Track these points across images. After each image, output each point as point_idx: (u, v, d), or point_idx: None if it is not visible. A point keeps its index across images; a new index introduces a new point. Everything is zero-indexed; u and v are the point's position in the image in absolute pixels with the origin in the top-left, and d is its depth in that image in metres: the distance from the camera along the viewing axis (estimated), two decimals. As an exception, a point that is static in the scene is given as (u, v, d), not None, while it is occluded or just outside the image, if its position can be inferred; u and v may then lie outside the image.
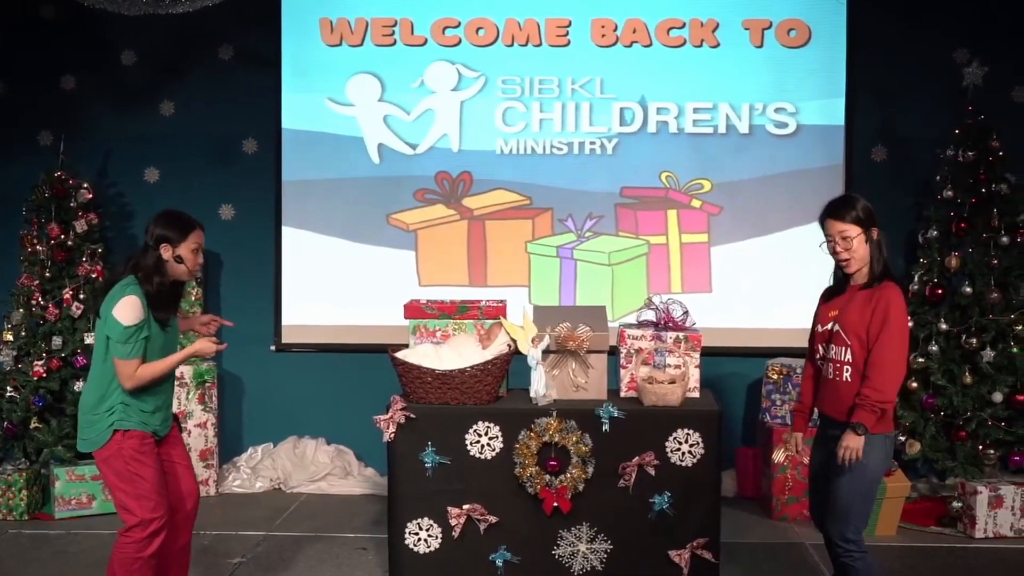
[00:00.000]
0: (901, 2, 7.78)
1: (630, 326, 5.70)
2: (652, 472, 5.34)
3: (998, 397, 7.02)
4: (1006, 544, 6.57)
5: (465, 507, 5.40)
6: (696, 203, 7.13)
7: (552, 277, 6.97)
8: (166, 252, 4.89)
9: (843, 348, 4.78)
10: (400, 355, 5.50)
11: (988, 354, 7.03)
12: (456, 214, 7.16)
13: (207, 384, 7.64)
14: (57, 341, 7.28)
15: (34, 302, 7.30)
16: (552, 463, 5.33)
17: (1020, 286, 7.13)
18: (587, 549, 5.42)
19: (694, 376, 5.61)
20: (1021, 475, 7.06)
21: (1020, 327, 7.05)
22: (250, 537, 6.69)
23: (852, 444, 4.62)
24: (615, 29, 7.56)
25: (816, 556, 6.33)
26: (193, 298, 7.68)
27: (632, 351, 5.64)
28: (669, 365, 5.61)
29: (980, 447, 7.07)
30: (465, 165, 7.24)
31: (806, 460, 6.89)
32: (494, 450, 5.39)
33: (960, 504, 6.74)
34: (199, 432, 7.62)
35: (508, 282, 7.07)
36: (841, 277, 4.94)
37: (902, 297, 4.79)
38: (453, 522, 5.40)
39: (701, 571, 5.37)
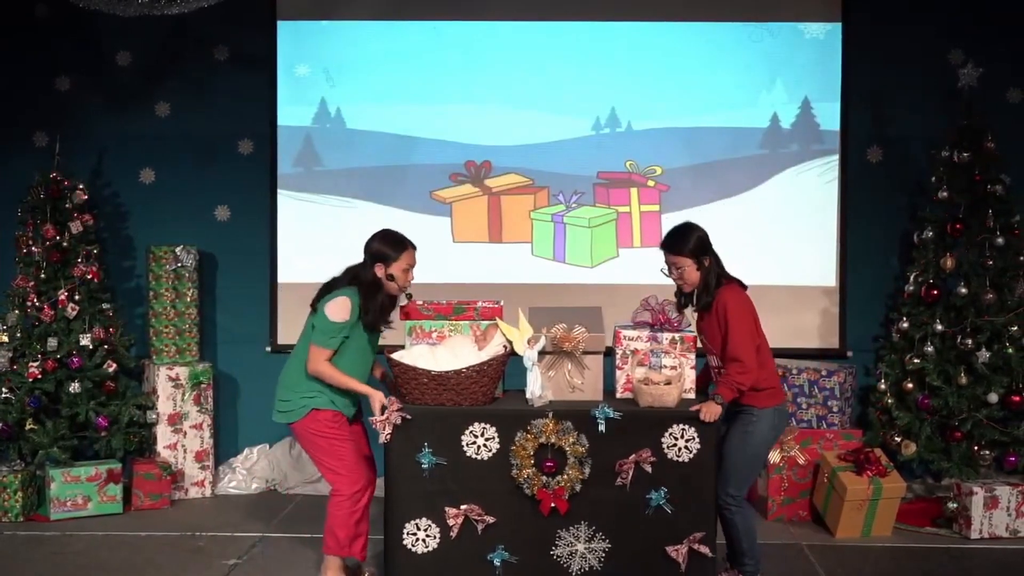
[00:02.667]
0: (896, 3, 7.80)
1: (626, 327, 5.68)
2: (649, 469, 5.31)
3: (993, 398, 7.02)
4: (1001, 545, 6.57)
5: (463, 507, 5.36)
6: (650, 183, 8.02)
7: (548, 236, 8.07)
8: (380, 270, 5.47)
9: (712, 356, 5.53)
10: (396, 356, 5.47)
11: (983, 355, 7.04)
12: (480, 191, 8.08)
13: (203, 385, 7.63)
14: (52, 342, 7.26)
15: (29, 303, 7.28)
16: (548, 464, 5.31)
17: (1015, 287, 7.15)
18: (585, 549, 5.39)
19: (690, 377, 5.58)
20: (1016, 476, 7.07)
21: (1015, 328, 7.06)
22: (246, 538, 6.68)
23: (710, 411, 5.25)
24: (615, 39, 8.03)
25: (812, 556, 6.34)
26: (188, 299, 7.67)
27: (628, 352, 5.61)
28: (665, 366, 5.57)
29: (975, 448, 7.08)
30: (486, 155, 8.07)
31: (801, 461, 6.98)
32: (491, 451, 5.36)
33: (955, 505, 6.74)
34: (195, 433, 7.61)
35: (517, 239, 8.07)
36: (681, 293, 5.60)
37: (736, 294, 5.42)
38: (451, 522, 5.37)
39: (698, 565, 5.35)
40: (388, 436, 5.33)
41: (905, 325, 7.31)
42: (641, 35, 7.94)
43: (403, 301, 5.69)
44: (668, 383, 5.42)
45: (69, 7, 6.41)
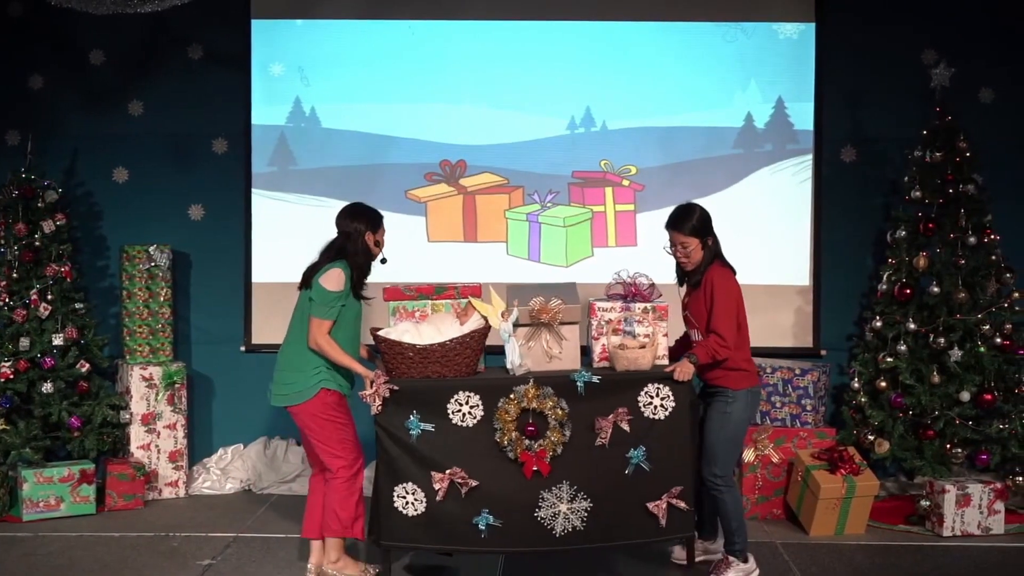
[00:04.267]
0: (869, 3, 7.83)
1: (599, 299, 5.94)
2: (627, 428, 5.55)
3: (965, 396, 7.06)
4: (974, 542, 6.60)
5: (448, 472, 5.54)
6: (625, 182, 8.03)
7: (523, 235, 8.06)
8: (369, 239, 5.76)
9: (694, 331, 5.83)
10: (382, 332, 5.71)
11: (956, 354, 7.08)
12: (455, 190, 8.06)
13: (176, 385, 7.60)
14: (25, 342, 7.22)
15: (1, 303, 7.24)
16: (530, 428, 5.52)
17: (987, 286, 7.19)
18: (568, 509, 5.58)
19: (662, 343, 5.81)
20: (988, 473, 7.12)
21: (987, 327, 7.10)
22: (220, 539, 6.66)
23: (683, 369, 5.56)
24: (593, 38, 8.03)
25: (786, 555, 6.36)
26: (162, 299, 7.64)
27: (603, 322, 5.85)
28: (638, 334, 5.84)
29: (948, 446, 7.11)
30: (461, 155, 8.05)
31: (775, 459, 7.01)
32: (475, 418, 5.57)
33: (928, 503, 6.77)
34: (168, 433, 7.58)
35: (492, 239, 8.06)
36: (681, 271, 5.92)
37: (724, 274, 5.75)
38: (437, 487, 5.54)
39: (677, 519, 5.61)
40: (379, 408, 5.53)
41: (878, 324, 7.35)
42: (616, 35, 7.95)
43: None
44: (642, 347, 5.70)
45: (42, 5, 6.39)
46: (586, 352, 5.86)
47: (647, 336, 5.80)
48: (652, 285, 5.92)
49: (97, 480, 7.25)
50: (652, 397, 5.58)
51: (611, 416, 5.54)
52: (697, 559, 5.95)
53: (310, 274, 5.73)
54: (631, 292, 5.92)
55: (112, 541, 6.62)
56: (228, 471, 7.83)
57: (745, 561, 5.85)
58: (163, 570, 6.12)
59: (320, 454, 5.80)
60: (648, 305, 5.85)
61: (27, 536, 6.71)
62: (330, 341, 5.62)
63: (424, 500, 5.58)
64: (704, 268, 5.75)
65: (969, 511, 6.67)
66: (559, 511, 5.57)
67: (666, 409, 5.58)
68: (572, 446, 5.55)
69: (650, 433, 5.57)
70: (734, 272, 5.82)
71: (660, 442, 5.58)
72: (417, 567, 6.22)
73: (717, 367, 5.69)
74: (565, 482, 5.56)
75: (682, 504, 5.58)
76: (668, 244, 5.84)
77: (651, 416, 5.57)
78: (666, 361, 5.80)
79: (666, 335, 5.84)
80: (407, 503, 5.59)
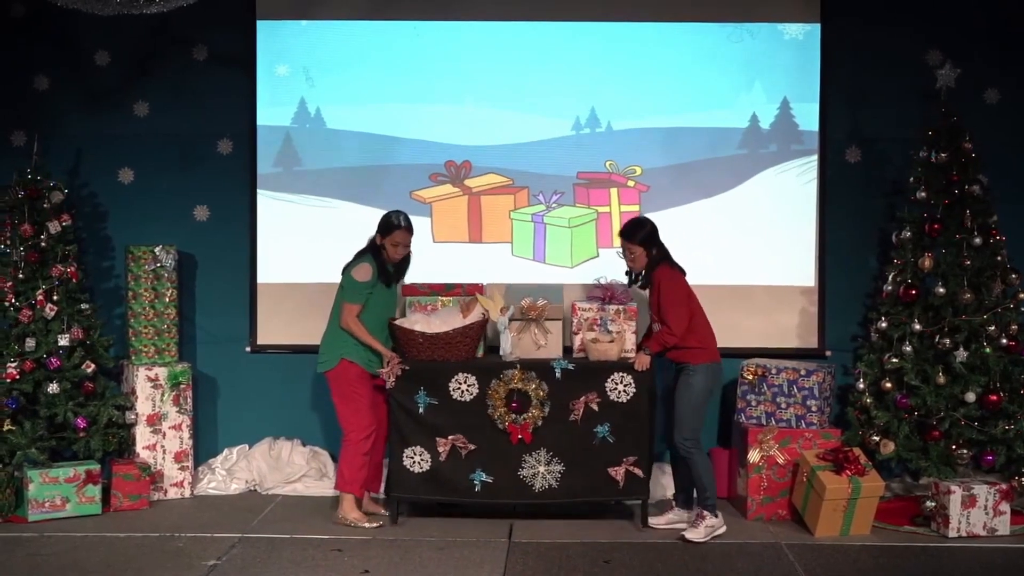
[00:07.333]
0: (875, 4, 7.83)
1: (581, 301, 7.19)
2: (595, 408, 6.76)
3: (971, 397, 7.06)
4: (979, 543, 6.60)
5: (450, 438, 6.79)
6: (630, 183, 8.04)
7: (528, 236, 8.12)
8: (378, 240, 6.91)
9: (656, 324, 6.80)
10: (398, 322, 6.94)
11: (961, 354, 7.08)
12: (460, 191, 8.11)
13: (182, 386, 7.60)
14: (30, 343, 7.22)
15: (7, 303, 7.25)
16: (516, 405, 6.76)
17: (992, 287, 7.18)
18: (545, 470, 6.83)
19: (630, 340, 7.04)
20: (994, 474, 7.11)
21: (992, 327, 7.10)
22: (225, 539, 6.67)
23: (640, 360, 6.72)
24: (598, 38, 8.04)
25: (791, 556, 6.36)
26: (167, 299, 7.64)
27: (582, 320, 7.10)
28: (611, 331, 7.02)
29: (953, 447, 7.11)
30: (466, 155, 8.08)
31: (781, 460, 7.02)
32: (472, 395, 6.81)
33: (933, 503, 6.77)
34: (174, 434, 7.58)
35: (497, 239, 8.12)
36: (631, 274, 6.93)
37: (668, 271, 6.70)
38: (440, 449, 6.80)
39: (633, 484, 6.80)
40: (392, 383, 6.75)
41: (883, 325, 7.34)
42: (621, 35, 7.95)
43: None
44: (611, 342, 6.89)
45: (46, 6, 6.39)
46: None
47: (618, 332, 7.00)
48: (627, 290, 7.10)
49: (103, 480, 7.25)
50: (617, 384, 6.76)
51: (583, 398, 6.75)
52: (669, 526, 6.87)
53: (349, 264, 6.89)
54: (608, 296, 7.12)
55: (117, 541, 6.63)
56: (233, 471, 7.83)
57: (715, 516, 6.66)
58: (168, 570, 6.12)
59: (339, 418, 6.89)
60: (621, 307, 7.08)
61: (33, 536, 6.71)
62: (357, 323, 6.76)
63: (429, 460, 6.82)
64: (650, 271, 6.69)
65: (975, 512, 6.67)
66: (538, 471, 6.83)
67: (628, 394, 6.76)
68: (550, 420, 6.78)
69: (614, 412, 6.76)
70: (683, 272, 6.77)
71: (622, 420, 6.77)
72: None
73: (676, 349, 6.66)
74: (543, 448, 6.80)
75: (637, 471, 6.77)
76: (620, 249, 6.85)
77: (615, 399, 6.76)
78: (633, 353, 6.92)
79: (635, 332, 7.07)
80: (414, 462, 6.83)
